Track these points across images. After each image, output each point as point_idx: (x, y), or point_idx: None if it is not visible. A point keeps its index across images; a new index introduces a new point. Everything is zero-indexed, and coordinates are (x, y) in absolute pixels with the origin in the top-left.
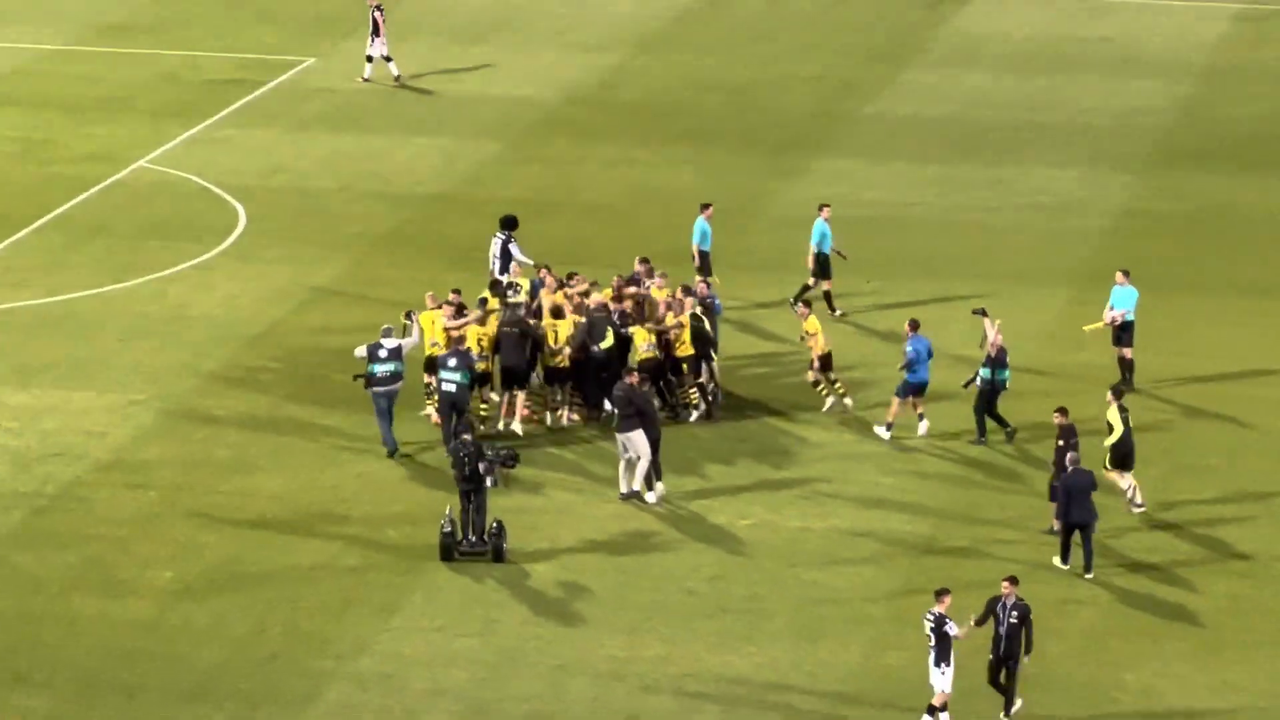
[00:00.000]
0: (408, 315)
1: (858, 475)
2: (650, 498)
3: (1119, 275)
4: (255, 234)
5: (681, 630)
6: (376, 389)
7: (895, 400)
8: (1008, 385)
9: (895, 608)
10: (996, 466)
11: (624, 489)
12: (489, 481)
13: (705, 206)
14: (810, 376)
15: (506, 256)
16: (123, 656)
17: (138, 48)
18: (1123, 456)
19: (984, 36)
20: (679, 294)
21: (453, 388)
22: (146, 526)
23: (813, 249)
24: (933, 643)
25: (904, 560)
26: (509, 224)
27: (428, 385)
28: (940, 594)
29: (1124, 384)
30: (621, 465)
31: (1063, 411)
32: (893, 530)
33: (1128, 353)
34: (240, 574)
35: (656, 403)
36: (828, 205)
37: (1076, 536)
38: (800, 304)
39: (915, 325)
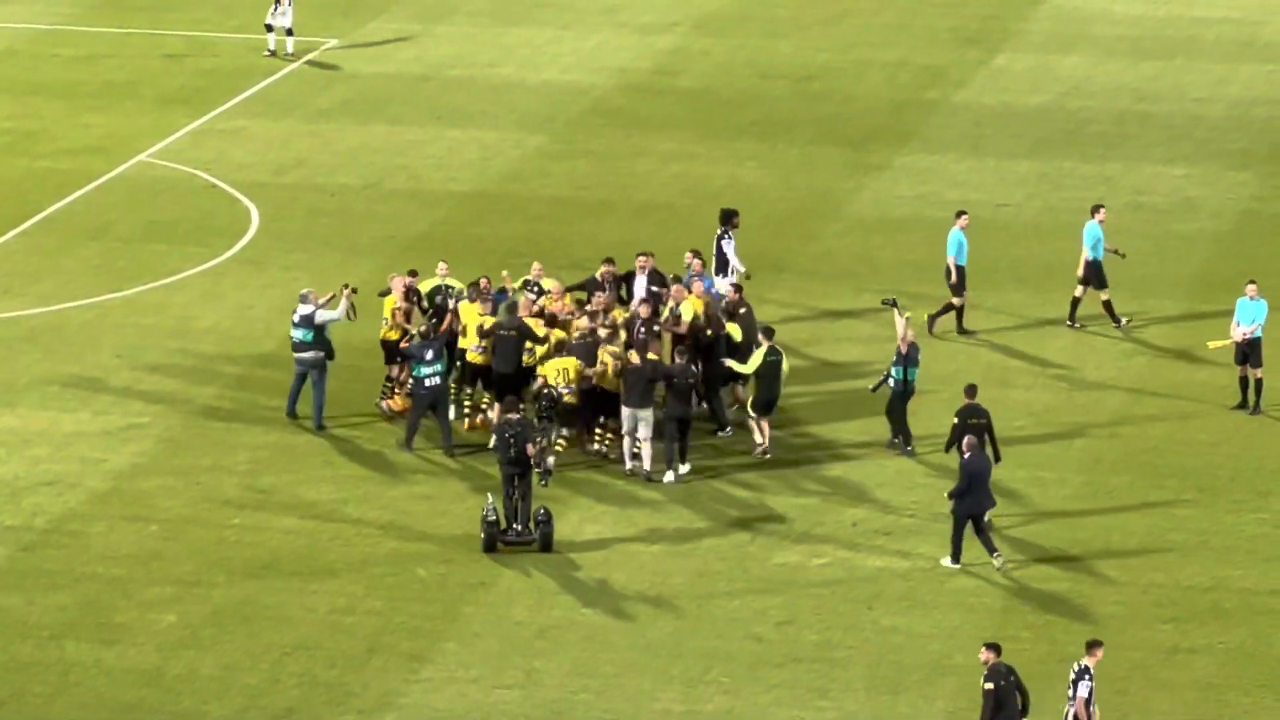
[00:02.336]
0: (344, 287)
1: (946, 509)
2: (668, 477)
3: (1249, 287)
4: (270, 237)
5: (746, 681)
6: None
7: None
8: (915, 386)
9: None
10: (1101, 503)
11: (628, 465)
12: (543, 481)
13: (960, 214)
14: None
15: (722, 255)
16: (121, 710)
17: (139, 27)
18: (766, 402)
19: (1086, 17)
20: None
21: (438, 380)
22: (147, 565)
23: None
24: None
25: (995, 603)
26: (726, 218)
27: (389, 379)
28: (1092, 645)
29: (1244, 407)
30: (627, 442)
31: (970, 390)
32: (983, 570)
33: (1257, 373)
34: (252, 618)
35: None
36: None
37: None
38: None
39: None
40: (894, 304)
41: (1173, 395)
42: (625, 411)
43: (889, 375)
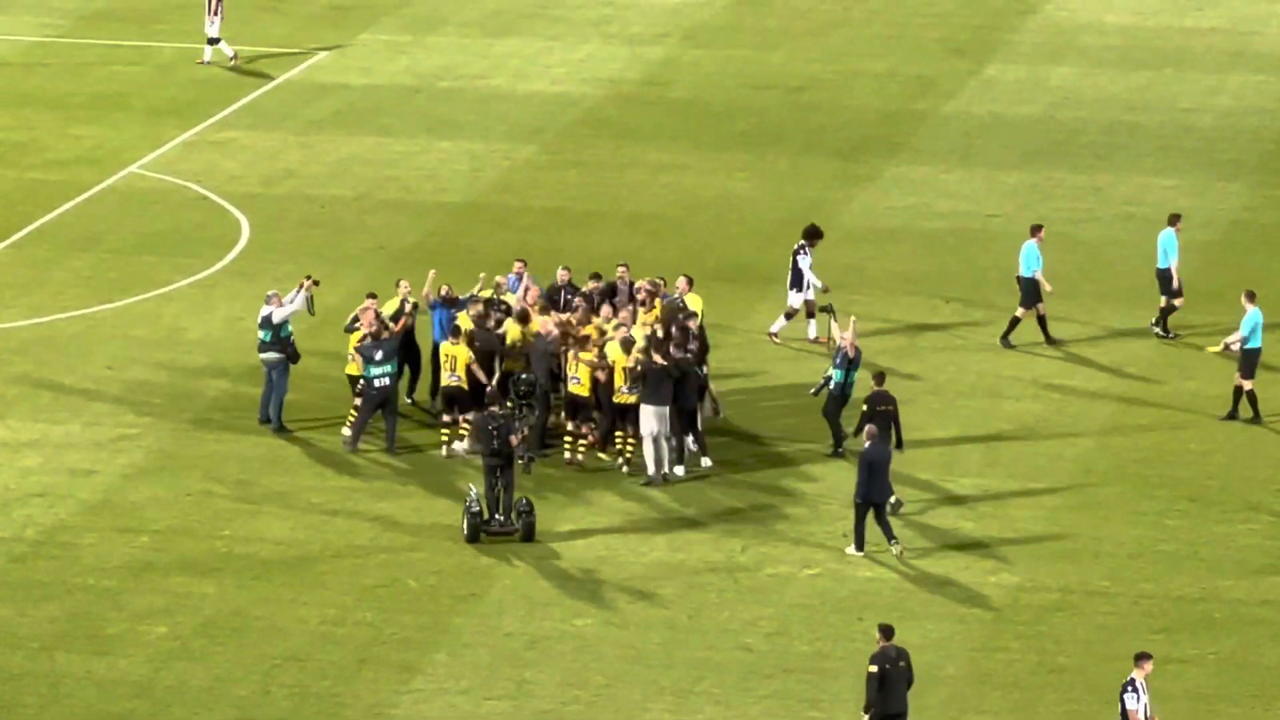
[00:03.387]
0: (305, 279)
1: (937, 520)
2: (678, 470)
3: (1244, 299)
4: (260, 248)
5: (736, 692)
6: None
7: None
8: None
9: (975, 667)
10: (1091, 513)
11: (652, 471)
12: (526, 469)
13: (1036, 229)
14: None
15: (797, 270)
16: None
17: (130, 39)
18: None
19: (1076, 27)
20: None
21: (388, 381)
22: (138, 576)
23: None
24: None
25: (986, 614)
26: (808, 234)
27: (356, 408)
28: (1140, 658)
29: (1234, 417)
30: (649, 448)
31: (879, 377)
32: (975, 581)
33: (1248, 384)
34: (243, 629)
35: None
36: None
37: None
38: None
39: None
40: (830, 310)
41: (1163, 405)
42: (649, 410)
43: (829, 378)
